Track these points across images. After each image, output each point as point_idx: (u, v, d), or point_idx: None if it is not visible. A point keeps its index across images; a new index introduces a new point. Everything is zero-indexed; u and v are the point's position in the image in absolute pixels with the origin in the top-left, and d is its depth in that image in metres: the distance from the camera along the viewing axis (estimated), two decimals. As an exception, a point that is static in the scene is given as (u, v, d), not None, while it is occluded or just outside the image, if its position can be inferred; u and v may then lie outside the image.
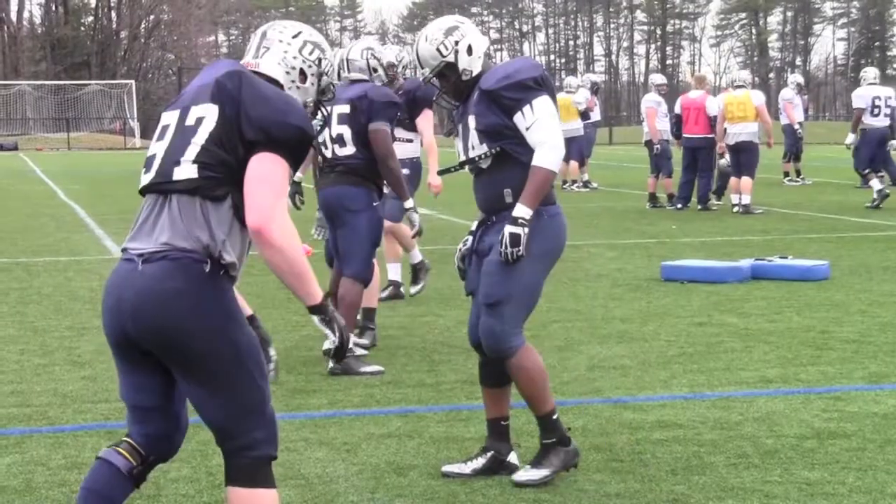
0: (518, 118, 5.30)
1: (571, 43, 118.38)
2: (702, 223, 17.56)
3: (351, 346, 7.82)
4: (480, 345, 5.54)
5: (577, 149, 23.36)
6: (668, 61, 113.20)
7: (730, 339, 8.72)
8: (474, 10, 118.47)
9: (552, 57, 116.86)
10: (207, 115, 3.91)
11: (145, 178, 3.97)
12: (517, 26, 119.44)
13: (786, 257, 12.15)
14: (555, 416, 5.45)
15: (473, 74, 5.45)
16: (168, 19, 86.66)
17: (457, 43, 5.43)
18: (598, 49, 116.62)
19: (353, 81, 7.99)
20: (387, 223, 8.50)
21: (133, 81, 67.42)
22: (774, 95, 26.50)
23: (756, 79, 20.20)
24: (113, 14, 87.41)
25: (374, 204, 7.84)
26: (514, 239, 5.21)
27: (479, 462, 5.54)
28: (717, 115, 19.00)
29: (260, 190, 3.79)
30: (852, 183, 24.25)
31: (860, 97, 20.09)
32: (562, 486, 5.39)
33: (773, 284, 11.24)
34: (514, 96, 5.30)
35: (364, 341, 8.23)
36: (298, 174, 8.19)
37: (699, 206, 19.61)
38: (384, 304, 10.28)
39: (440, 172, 6.05)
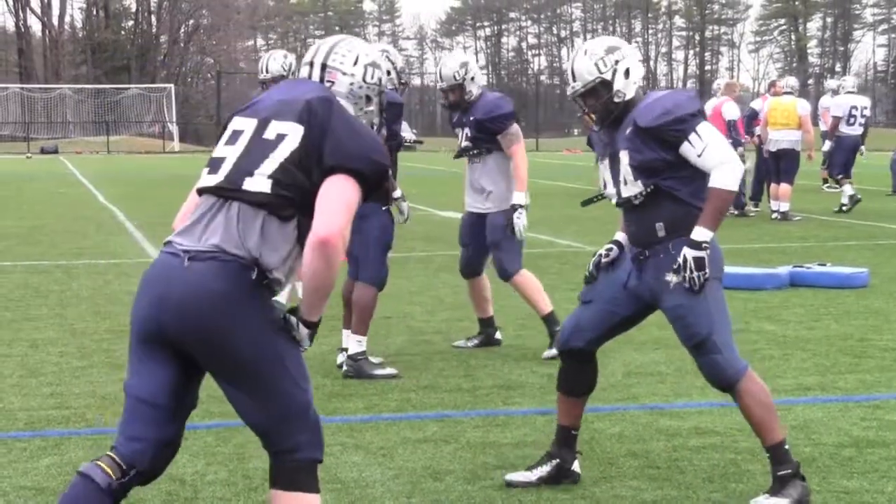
0: (686, 148, 5.14)
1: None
2: (739, 230, 17.49)
3: (363, 350, 7.85)
4: (570, 350, 5.47)
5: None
6: (707, 67, 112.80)
7: (767, 346, 8.68)
8: (513, 14, 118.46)
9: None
10: (291, 134, 3.90)
11: (210, 179, 3.94)
12: (555, 31, 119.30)
13: (824, 264, 12.09)
14: (786, 447, 5.22)
15: (626, 98, 5.28)
16: (207, 24, 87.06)
17: (616, 62, 5.28)
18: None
19: None
20: None
21: (172, 85, 67.83)
22: (814, 102, 26.34)
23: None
24: (153, 18, 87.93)
25: (383, 208, 7.90)
26: (700, 263, 5.09)
27: (545, 469, 5.50)
28: (761, 117, 19.05)
29: (335, 206, 3.80)
30: (886, 190, 24.08)
31: (838, 106, 20.44)
32: (598, 492, 5.38)
33: (811, 292, 11.18)
34: (677, 128, 5.15)
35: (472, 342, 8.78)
36: (399, 192, 8.35)
37: (735, 213, 19.56)
38: (421, 308, 10.29)
39: (584, 203, 5.79)
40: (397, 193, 8.13)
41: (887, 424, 6.46)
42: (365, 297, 7.92)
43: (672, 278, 5.17)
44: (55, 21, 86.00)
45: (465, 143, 8.57)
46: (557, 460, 5.52)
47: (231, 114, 4.15)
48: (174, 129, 63.74)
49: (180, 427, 4.00)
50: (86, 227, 18.44)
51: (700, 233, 5.10)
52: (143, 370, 3.92)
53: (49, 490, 5.41)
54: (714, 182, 5.11)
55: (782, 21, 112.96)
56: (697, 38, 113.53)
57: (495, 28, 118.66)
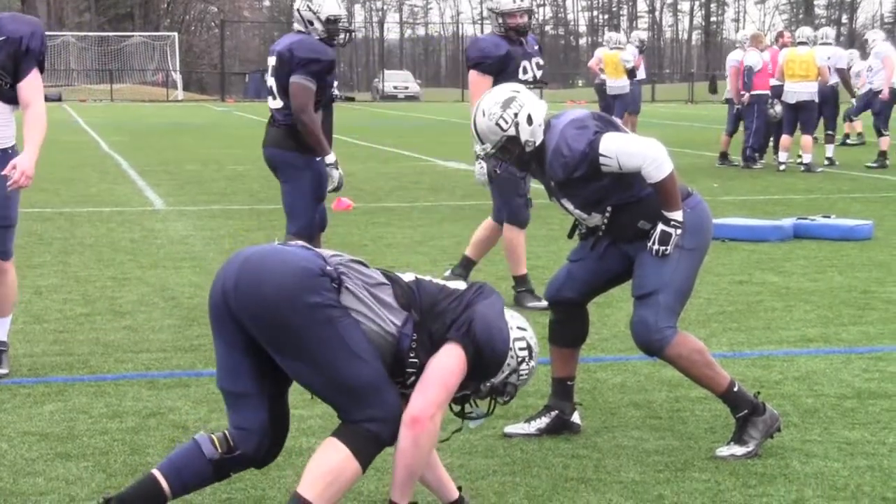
0: (606, 170, 5.14)
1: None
2: (744, 181, 17.46)
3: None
4: (558, 301, 5.48)
5: (621, 106, 23.21)
6: (713, 18, 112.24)
7: (770, 297, 8.68)
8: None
9: (595, 13, 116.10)
10: None
11: None
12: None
13: (828, 216, 12.08)
14: (735, 389, 5.28)
15: (536, 144, 5.23)
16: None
17: (516, 115, 5.19)
18: (642, 5, 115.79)
19: (297, 33, 7.83)
20: None
21: (176, 34, 67.46)
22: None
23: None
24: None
25: (317, 159, 7.72)
26: (665, 237, 5.17)
27: (543, 421, 5.51)
28: (777, 68, 18.86)
29: (436, 383, 4.03)
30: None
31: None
32: (600, 441, 5.39)
33: (815, 244, 11.17)
34: (586, 166, 5.14)
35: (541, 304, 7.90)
36: (332, 158, 7.94)
37: (742, 164, 19.52)
38: (424, 258, 10.28)
39: (571, 235, 5.70)
40: (330, 159, 7.74)
41: (889, 376, 6.47)
42: None
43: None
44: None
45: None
46: (556, 412, 5.53)
47: None
48: (178, 77, 63.51)
49: (281, 412, 4.21)
50: (89, 174, 18.41)
51: (670, 214, 5.18)
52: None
53: (53, 436, 5.41)
54: (650, 180, 5.13)
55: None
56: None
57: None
